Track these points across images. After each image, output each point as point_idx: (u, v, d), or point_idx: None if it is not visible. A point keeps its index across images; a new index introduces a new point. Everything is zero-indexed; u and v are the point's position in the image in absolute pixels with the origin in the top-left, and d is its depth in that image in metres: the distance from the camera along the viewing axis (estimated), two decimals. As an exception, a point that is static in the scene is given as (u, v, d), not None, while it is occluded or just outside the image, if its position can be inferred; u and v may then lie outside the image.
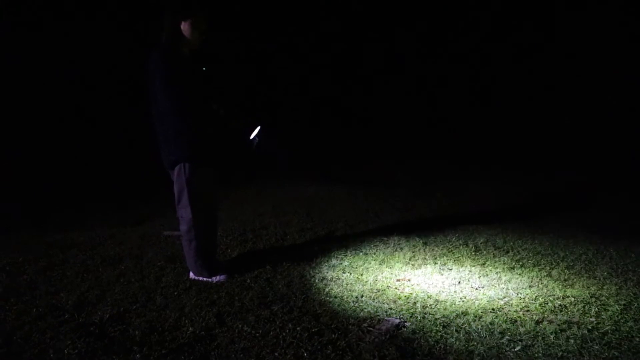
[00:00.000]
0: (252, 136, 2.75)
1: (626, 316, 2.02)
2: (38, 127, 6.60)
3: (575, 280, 2.47)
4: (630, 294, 2.27)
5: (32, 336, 1.93)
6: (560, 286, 2.39)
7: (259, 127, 2.76)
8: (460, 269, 2.68)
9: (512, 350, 1.77)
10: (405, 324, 1.99)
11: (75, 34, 6.79)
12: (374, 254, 3.01)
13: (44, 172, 6.07)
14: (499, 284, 2.43)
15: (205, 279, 2.55)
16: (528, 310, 2.09)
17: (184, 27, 2.42)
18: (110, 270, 2.75)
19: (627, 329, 1.90)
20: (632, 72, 7.44)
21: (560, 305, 2.14)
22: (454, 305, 2.17)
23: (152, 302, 2.28)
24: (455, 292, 2.34)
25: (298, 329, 1.95)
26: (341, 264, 2.82)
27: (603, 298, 2.21)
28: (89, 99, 7.11)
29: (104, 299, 2.31)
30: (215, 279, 2.54)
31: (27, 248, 3.20)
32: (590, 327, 1.92)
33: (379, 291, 2.36)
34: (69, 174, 6.18)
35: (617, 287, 2.36)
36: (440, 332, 1.92)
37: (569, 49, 8.17)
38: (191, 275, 2.61)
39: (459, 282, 2.47)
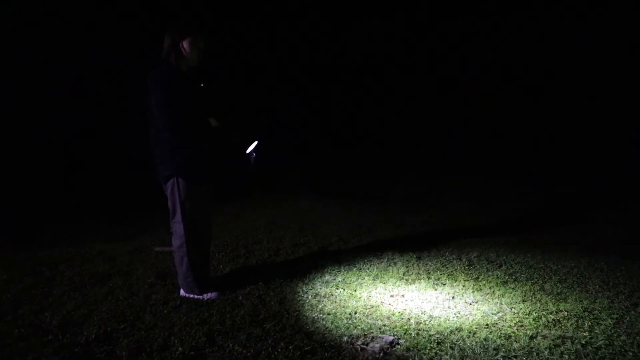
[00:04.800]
0: (248, 151, 2.75)
1: (619, 330, 2.02)
2: (28, 138, 6.52)
3: (568, 294, 2.48)
4: (622, 307, 2.27)
5: (13, 358, 1.86)
6: (553, 300, 2.39)
7: (256, 142, 2.75)
8: (454, 284, 2.67)
9: (507, 366, 1.75)
10: (399, 341, 1.96)
11: (75, 41, 6.77)
12: (368, 269, 2.99)
13: (34, 186, 5.98)
14: (492, 299, 2.42)
15: (195, 296, 2.50)
16: (522, 326, 2.08)
17: (183, 45, 2.44)
18: (98, 288, 2.69)
19: (620, 344, 1.90)
20: (634, 83, 7.36)
21: (553, 319, 2.13)
22: (448, 321, 2.15)
23: (140, 321, 2.22)
24: (449, 307, 2.32)
25: (290, 347, 1.91)
26: (334, 279, 2.80)
27: (596, 312, 2.21)
28: (85, 113, 7.07)
29: (90, 318, 2.25)
30: (206, 296, 2.50)
31: (13, 265, 3.12)
32: (584, 342, 1.91)
33: (372, 307, 2.34)
34: (61, 187, 6.09)
35: (609, 300, 2.37)
36: (434, 349, 1.89)
37: (569, 54, 8.12)
38: (181, 292, 2.56)
39: (453, 297, 2.45)
